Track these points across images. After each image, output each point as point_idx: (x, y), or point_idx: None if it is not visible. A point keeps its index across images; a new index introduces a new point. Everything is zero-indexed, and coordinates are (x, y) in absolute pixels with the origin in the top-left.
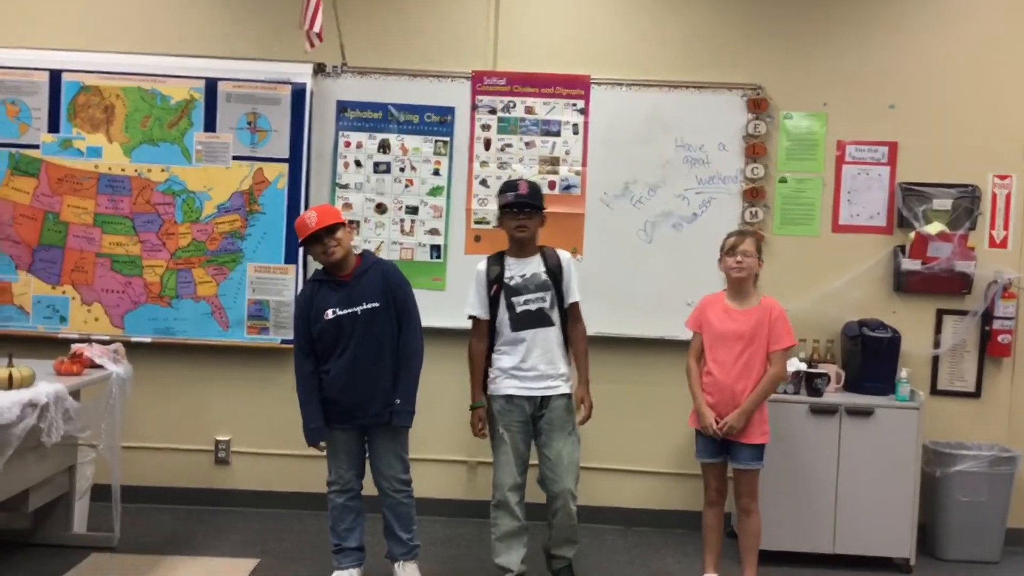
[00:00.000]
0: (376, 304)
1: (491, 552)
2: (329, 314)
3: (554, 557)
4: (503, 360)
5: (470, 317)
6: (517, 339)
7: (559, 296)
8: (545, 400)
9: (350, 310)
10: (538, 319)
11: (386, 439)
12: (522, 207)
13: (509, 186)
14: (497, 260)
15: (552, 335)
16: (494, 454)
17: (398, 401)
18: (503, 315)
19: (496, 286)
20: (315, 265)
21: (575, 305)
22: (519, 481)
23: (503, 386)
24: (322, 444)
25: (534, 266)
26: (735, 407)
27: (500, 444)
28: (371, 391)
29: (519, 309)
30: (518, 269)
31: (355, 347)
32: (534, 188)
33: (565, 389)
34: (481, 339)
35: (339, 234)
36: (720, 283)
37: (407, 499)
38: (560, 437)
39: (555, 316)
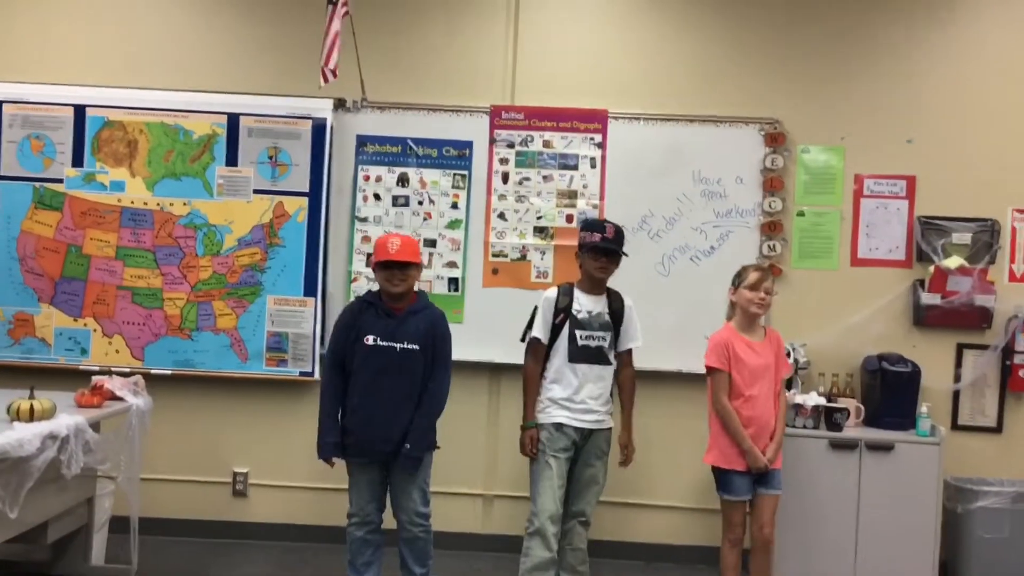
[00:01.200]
0: (415, 347)
1: None
2: (369, 340)
3: None
4: (554, 390)
5: (532, 339)
6: (571, 371)
7: (615, 338)
8: (592, 432)
9: (389, 344)
10: (596, 356)
11: (408, 474)
12: (607, 251)
13: (595, 226)
14: (568, 291)
15: (607, 374)
16: (536, 480)
17: (407, 446)
18: (561, 344)
19: (563, 315)
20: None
21: (630, 351)
22: (559, 511)
23: (554, 415)
24: (333, 460)
25: (601, 305)
26: (771, 437)
27: (545, 470)
28: (393, 427)
29: (580, 343)
30: (587, 304)
31: (385, 381)
32: (620, 233)
33: (610, 424)
34: (538, 362)
35: (411, 271)
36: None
37: (424, 533)
38: (596, 463)
39: (611, 356)
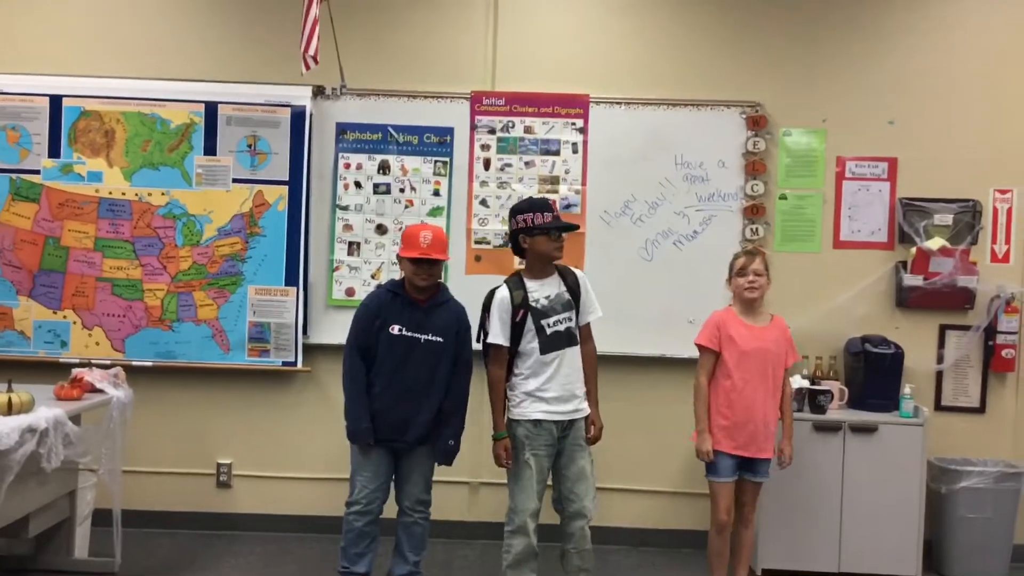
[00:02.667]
0: (441, 340)
1: None
2: (395, 329)
3: None
4: (528, 383)
5: (492, 346)
6: (544, 362)
7: (577, 314)
8: (572, 423)
9: (414, 335)
10: (567, 339)
11: (419, 459)
12: (563, 229)
13: (540, 205)
14: (518, 284)
15: (577, 354)
16: (515, 479)
17: (451, 443)
18: (531, 340)
19: (522, 311)
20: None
21: (589, 325)
22: (539, 506)
23: (529, 411)
24: (371, 442)
25: (555, 286)
26: (763, 425)
27: (524, 470)
28: (413, 417)
29: (549, 331)
30: (542, 291)
31: (409, 371)
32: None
33: (587, 410)
34: (502, 367)
35: (438, 268)
36: (722, 300)
37: (423, 520)
38: (582, 455)
39: (578, 335)
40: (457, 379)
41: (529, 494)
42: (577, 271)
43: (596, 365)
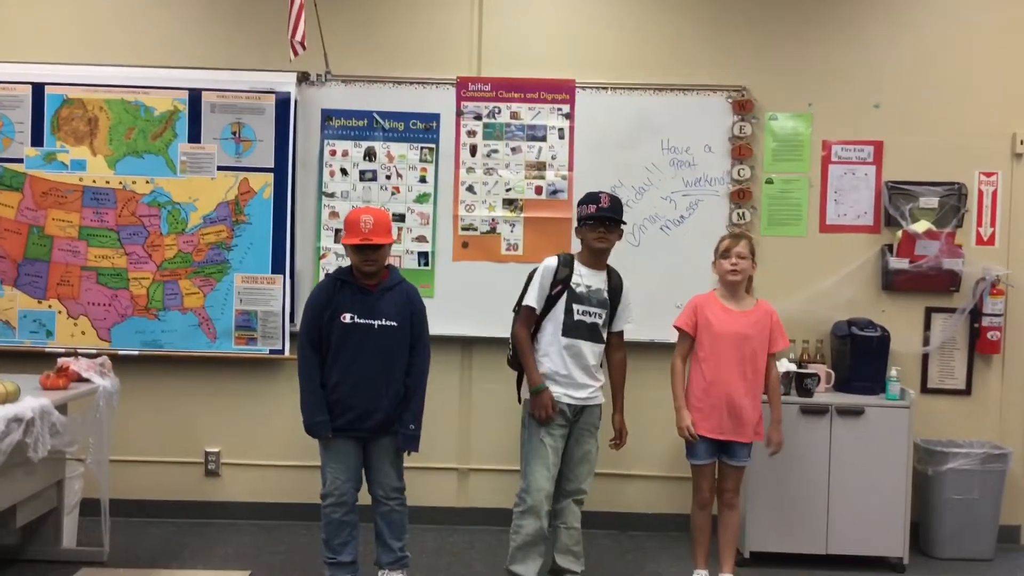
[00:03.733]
0: (394, 324)
1: (508, 559)
2: (347, 318)
3: (560, 571)
4: (545, 363)
5: (526, 306)
6: (562, 344)
7: (611, 317)
8: (584, 408)
9: (367, 321)
10: (590, 333)
11: (385, 447)
12: (604, 221)
13: (590, 198)
14: (568, 262)
15: (599, 351)
16: (529, 457)
17: (412, 427)
18: (555, 316)
19: (561, 287)
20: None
21: (622, 333)
22: (552, 489)
23: (554, 391)
24: (328, 436)
25: (600, 281)
26: (737, 409)
27: (540, 448)
28: (375, 404)
29: (576, 317)
30: (587, 279)
31: (365, 359)
32: (616, 202)
33: (601, 399)
34: (528, 328)
35: (384, 250)
36: (709, 285)
37: (400, 507)
38: (589, 440)
39: (605, 335)
40: (415, 362)
41: (544, 474)
42: (626, 280)
43: (625, 374)
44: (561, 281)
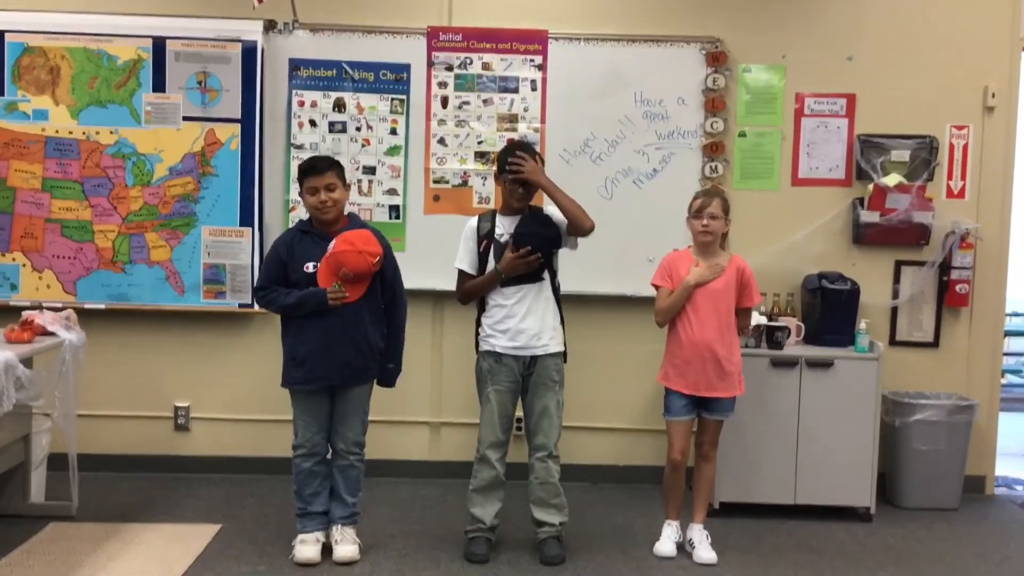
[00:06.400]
0: None
1: (467, 502)
2: (309, 267)
3: (539, 524)
4: (491, 316)
5: (457, 271)
6: (509, 295)
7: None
8: (534, 359)
9: None
10: (526, 275)
11: (354, 400)
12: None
13: (506, 149)
14: (488, 217)
15: (543, 289)
16: (481, 412)
17: (391, 366)
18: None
19: (486, 242)
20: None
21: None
22: (502, 438)
23: (492, 343)
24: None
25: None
26: (713, 364)
27: (485, 404)
28: (345, 353)
29: None
30: (508, 226)
31: (332, 308)
32: (530, 149)
33: (555, 348)
34: (465, 288)
35: (336, 194)
36: (682, 239)
37: (359, 462)
38: (546, 394)
39: (544, 272)
40: (393, 301)
41: (490, 427)
42: (551, 209)
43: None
44: (485, 236)
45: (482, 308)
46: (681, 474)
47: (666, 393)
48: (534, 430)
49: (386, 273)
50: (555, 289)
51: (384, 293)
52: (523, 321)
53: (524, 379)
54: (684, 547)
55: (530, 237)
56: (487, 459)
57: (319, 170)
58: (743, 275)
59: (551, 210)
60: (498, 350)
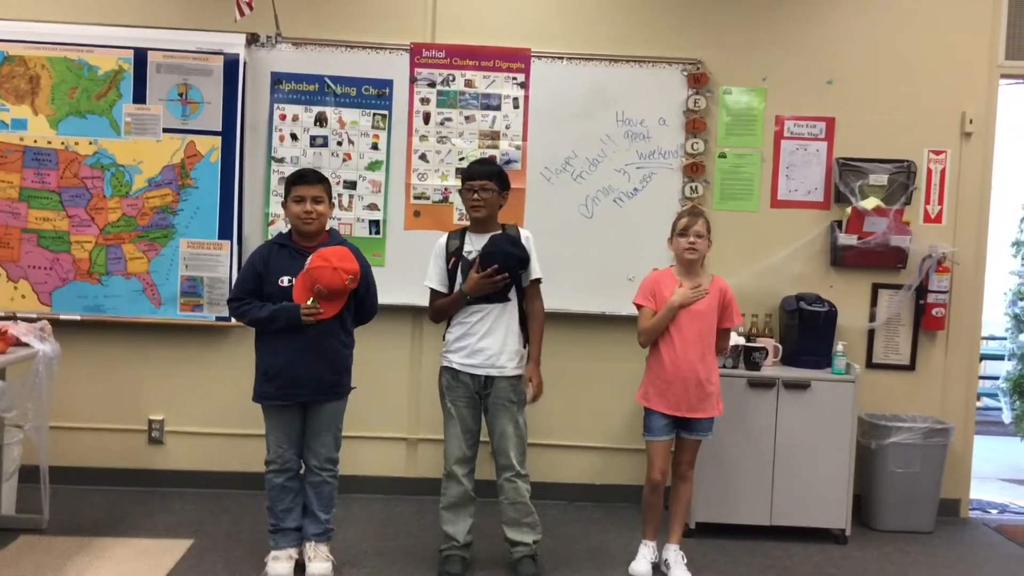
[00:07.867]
0: None
1: (439, 520)
2: (284, 281)
3: (513, 544)
4: (452, 333)
5: (430, 289)
6: (471, 312)
7: (516, 273)
8: (490, 380)
9: None
10: (495, 295)
11: (326, 416)
12: (473, 186)
13: (469, 166)
14: (458, 235)
15: (507, 311)
16: (444, 426)
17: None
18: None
19: (454, 259)
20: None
21: (535, 283)
22: (467, 454)
23: (451, 359)
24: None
25: None
26: (694, 385)
27: (448, 418)
28: (316, 369)
29: None
30: (477, 244)
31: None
32: (489, 165)
33: (511, 371)
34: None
35: (321, 207)
36: (662, 258)
37: (332, 479)
38: (503, 416)
39: (512, 292)
40: (360, 306)
41: (453, 443)
42: (524, 232)
43: (542, 324)
44: (453, 253)
45: (449, 323)
46: (660, 494)
47: (646, 413)
48: (497, 451)
49: (359, 291)
50: (522, 312)
51: (356, 310)
52: (482, 340)
53: (483, 398)
54: (660, 567)
55: (497, 256)
56: (454, 475)
57: (308, 180)
58: (725, 296)
59: (524, 232)
60: (455, 366)
